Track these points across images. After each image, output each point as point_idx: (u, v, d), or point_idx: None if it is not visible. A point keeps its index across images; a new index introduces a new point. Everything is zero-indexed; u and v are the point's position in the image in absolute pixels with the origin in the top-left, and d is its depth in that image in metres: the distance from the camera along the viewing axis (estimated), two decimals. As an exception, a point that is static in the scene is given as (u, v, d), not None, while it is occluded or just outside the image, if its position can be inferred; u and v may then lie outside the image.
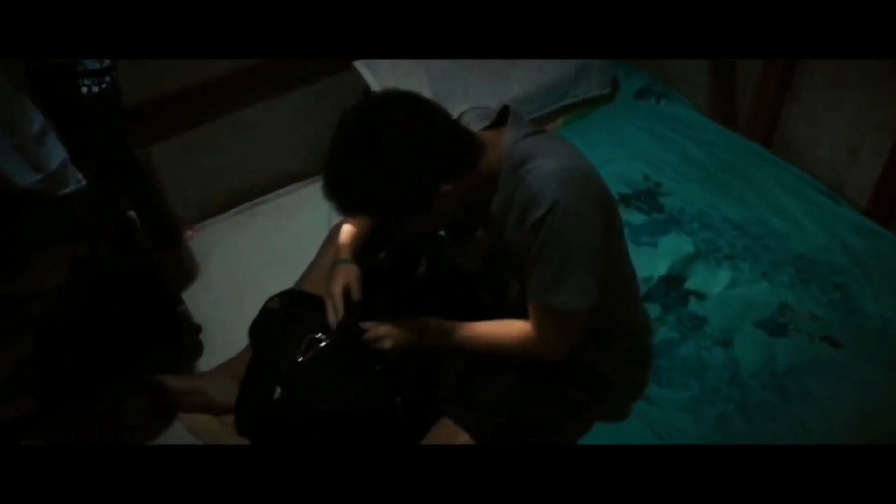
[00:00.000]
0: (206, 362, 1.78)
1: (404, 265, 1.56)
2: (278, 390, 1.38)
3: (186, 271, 2.02)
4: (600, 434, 1.41)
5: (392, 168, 1.09)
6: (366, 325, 1.31)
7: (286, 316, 1.46)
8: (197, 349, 1.80)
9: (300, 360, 1.36)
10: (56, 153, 1.22)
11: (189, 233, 2.13)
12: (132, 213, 1.60)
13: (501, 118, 1.24)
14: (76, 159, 1.26)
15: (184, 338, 1.77)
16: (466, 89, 2.05)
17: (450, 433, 1.28)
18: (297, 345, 1.38)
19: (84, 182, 1.26)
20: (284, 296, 1.51)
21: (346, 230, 1.45)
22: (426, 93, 2.00)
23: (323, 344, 1.37)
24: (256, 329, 1.47)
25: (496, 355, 1.31)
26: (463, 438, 1.27)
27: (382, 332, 1.29)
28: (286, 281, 1.63)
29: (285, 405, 1.39)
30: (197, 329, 1.81)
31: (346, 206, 1.17)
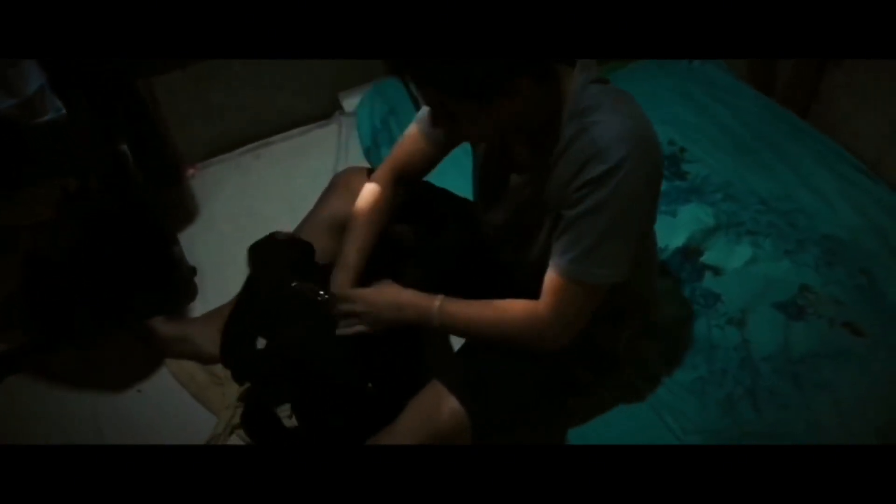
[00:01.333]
0: (200, 307, 1.73)
1: (427, 236, 1.47)
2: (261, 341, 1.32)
3: (186, 211, 1.97)
4: (599, 413, 1.35)
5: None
6: (340, 302, 1.24)
7: (289, 249, 1.40)
8: (191, 292, 1.76)
9: (294, 285, 1.29)
10: (32, 77, 1.14)
11: (191, 171, 2.07)
12: (125, 148, 1.53)
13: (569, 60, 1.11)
14: (56, 86, 1.18)
15: (177, 280, 1.73)
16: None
17: (438, 396, 1.22)
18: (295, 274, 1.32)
19: (63, 111, 1.18)
20: (292, 236, 1.45)
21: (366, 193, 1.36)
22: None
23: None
24: (257, 249, 1.41)
25: (491, 340, 1.20)
26: (452, 404, 1.21)
27: (358, 311, 1.22)
28: (287, 227, 1.56)
29: (269, 350, 1.32)
30: (192, 272, 1.77)
31: (414, 66, 1.02)
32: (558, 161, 1.08)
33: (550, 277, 1.11)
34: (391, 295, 1.23)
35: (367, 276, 1.31)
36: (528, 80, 1.02)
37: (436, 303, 1.19)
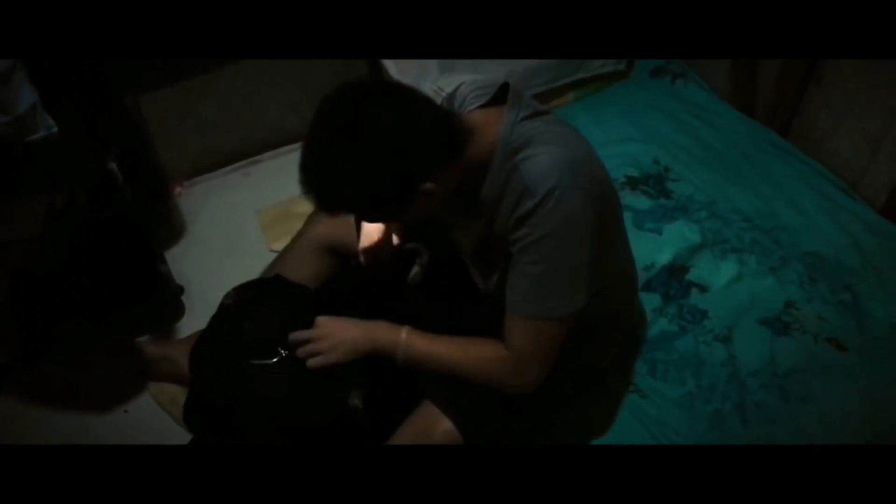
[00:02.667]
0: (187, 325, 1.72)
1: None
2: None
3: (173, 229, 1.96)
4: (589, 428, 1.36)
5: (372, 168, 1.00)
6: (304, 334, 1.22)
7: (242, 312, 1.36)
8: (178, 311, 1.75)
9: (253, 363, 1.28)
10: (25, 95, 1.14)
11: (178, 189, 2.06)
12: (113, 165, 1.52)
13: (501, 95, 1.14)
14: (48, 104, 1.18)
15: (164, 298, 1.71)
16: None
17: (431, 418, 1.23)
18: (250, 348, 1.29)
19: (55, 129, 1.19)
20: (242, 289, 1.41)
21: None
22: (434, 60, 1.93)
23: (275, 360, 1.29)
24: (198, 349, 1.39)
25: (457, 377, 1.18)
26: (445, 425, 1.22)
27: (324, 346, 1.20)
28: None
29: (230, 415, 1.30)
30: (179, 290, 1.75)
31: (324, 203, 1.07)
32: (499, 202, 1.09)
33: (508, 318, 1.11)
34: (350, 328, 1.21)
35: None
36: (438, 175, 1.04)
37: (402, 334, 1.17)
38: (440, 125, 1.05)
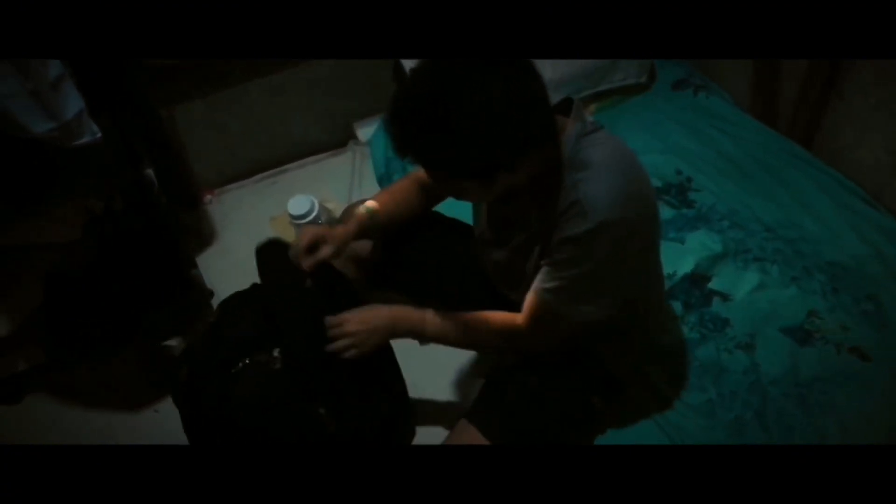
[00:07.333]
0: (216, 328, 1.76)
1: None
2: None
3: (203, 235, 2.01)
4: (609, 434, 1.37)
5: (491, 120, 0.97)
6: (329, 325, 1.23)
7: (222, 324, 1.34)
8: (208, 315, 1.78)
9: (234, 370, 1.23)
10: (72, 102, 1.20)
11: (208, 196, 2.11)
12: (150, 172, 1.57)
13: (562, 107, 1.15)
14: (93, 111, 1.24)
15: (195, 302, 1.75)
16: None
17: (468, 437, 1.25)
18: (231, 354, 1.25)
19: (99, 134, 1.24)
20: (223, 303, 1.39)
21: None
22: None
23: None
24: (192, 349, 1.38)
25: (476, 346, 1.26)
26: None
27: (347, 342, 1.22)
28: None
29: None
30: (209, 294, 1.79)
31: (428, 153, 1.04)
32: (552, 212, 1.11)
33: (530, 298, 1.17)
34: (382, 311, 1.27)
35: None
36: (534, 153, 1.06)
37: (427, 315, 1.26)
38: (546, 102, 1.06)
